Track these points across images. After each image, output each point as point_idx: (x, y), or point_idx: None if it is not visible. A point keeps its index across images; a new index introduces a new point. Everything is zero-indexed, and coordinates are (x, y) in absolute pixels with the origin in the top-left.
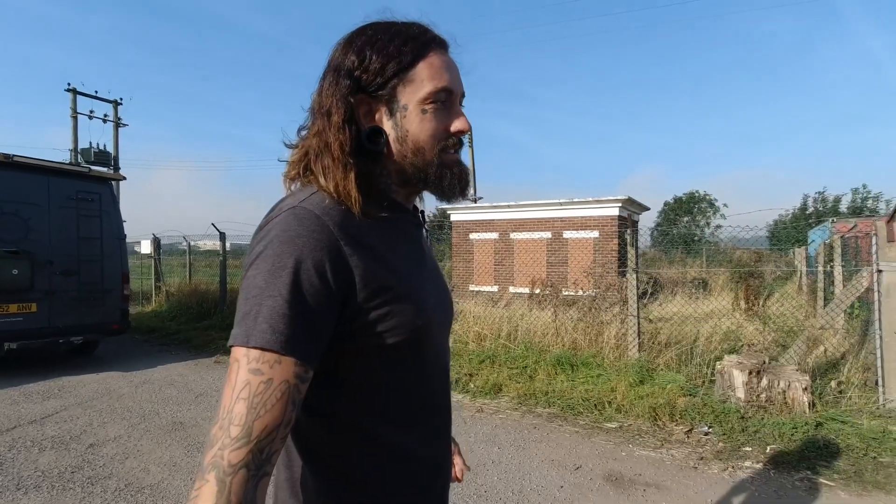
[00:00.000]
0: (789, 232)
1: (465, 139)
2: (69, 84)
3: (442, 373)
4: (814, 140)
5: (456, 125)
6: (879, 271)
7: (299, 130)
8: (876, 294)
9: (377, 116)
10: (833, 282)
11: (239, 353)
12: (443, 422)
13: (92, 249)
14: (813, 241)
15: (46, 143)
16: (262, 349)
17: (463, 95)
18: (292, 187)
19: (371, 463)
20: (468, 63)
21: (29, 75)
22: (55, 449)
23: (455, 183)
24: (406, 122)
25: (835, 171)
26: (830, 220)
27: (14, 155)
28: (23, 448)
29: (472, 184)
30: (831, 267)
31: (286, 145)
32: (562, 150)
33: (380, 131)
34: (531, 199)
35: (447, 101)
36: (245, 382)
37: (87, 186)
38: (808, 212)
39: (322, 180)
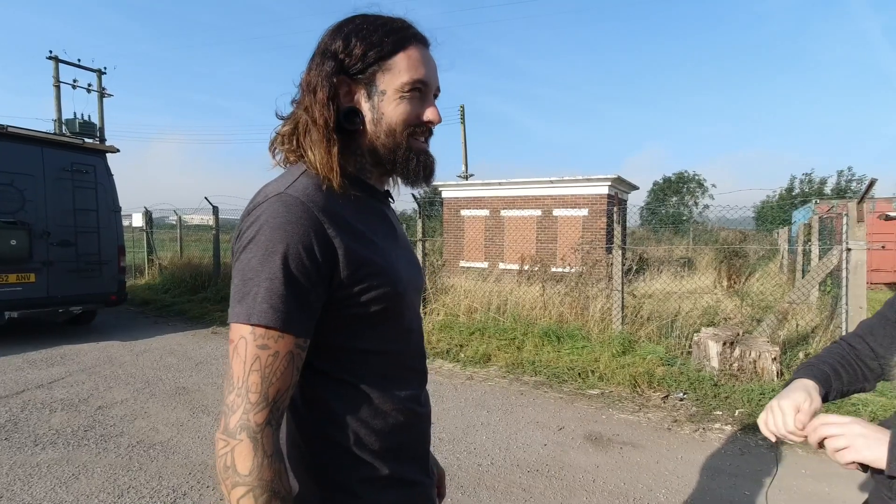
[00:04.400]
0: (775, 212)
1: (458, 118)
2: (51, 52)
3: (416, 336)
4: (811, 121)
5: (428, 115)
6: (848, 249)
7: (292, 103)
8: (844, 271)
9: (356, 98)
10: (810, 260)
11: (244, 329)
12: (419, 377)
13: (88, 221)
14: (796, 221)
15: (28, 112)
16: (266, 327)
17: (438, 90)
18: (277, 158)
19: (358, 411)
20: (445, 62)
21: (7, 40)
22: (65, 410)
23: (420, 169)
24: (382, 105)
25: (830, 152)
26: (814, 200)
27: (9, 126)
28: (34, 409)
29: (435, 172)
30: (809, 246)
31: (278, 116)
32: (557, 127)
33: (356, 111)
34: (524, 177)
35: (422, 91)
36: (255, 356)
37: (82, 158)
38: (794, 193)
39: (309, 153)
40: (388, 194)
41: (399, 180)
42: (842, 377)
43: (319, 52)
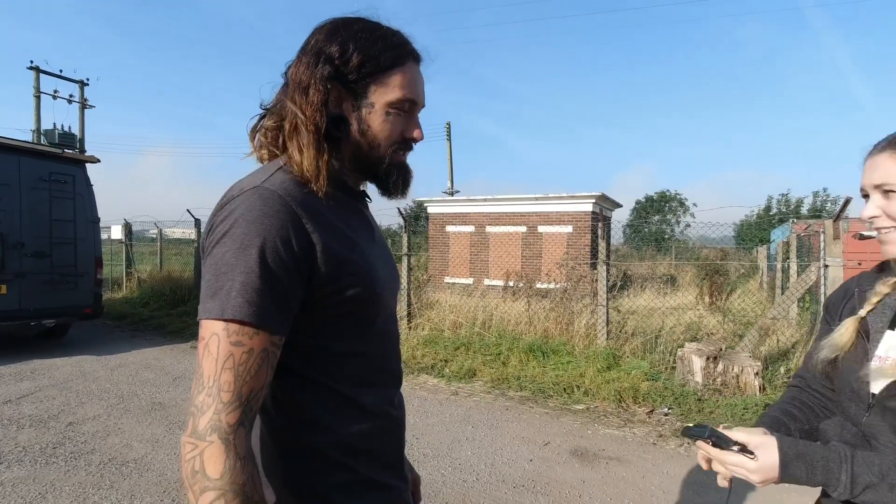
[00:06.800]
0: (754, 231)
1: (444, 136)
2: (32, 62)
3: (393, 338)
4: (789, 145)
5: (413, 133)
6: (825, 266)
7: (277, 97)
8: (822, 287)
9: (343, 105)
10: (788, 277)
11: (216, 326)
12: (394, 380)
13: (65, 232)
14: (774, 239)
15: (5, 123)
16: (241, 322)
17: (423, 107)
18: (258, 149)
19: (333, 414)
20: (431, 73)
21: None
22: (34, 427)
23: (399, 182)
24: (370, 117)
25: (807, 174)
26: (791, 220)
27: None
28: (0, 426)
29: (412, 185)
30: (787, 263)
31: (261, 107)
32: (542, 147)
33: (344, 119)
34: (508, 194)
35: (410, 110)
36: (228, 353)
37: (61, 168)
38: (772, 212)
39: (296, 155)
40: (364, 194)
41: (378, 191)
42: (797, 417)
43: (313, 51)
